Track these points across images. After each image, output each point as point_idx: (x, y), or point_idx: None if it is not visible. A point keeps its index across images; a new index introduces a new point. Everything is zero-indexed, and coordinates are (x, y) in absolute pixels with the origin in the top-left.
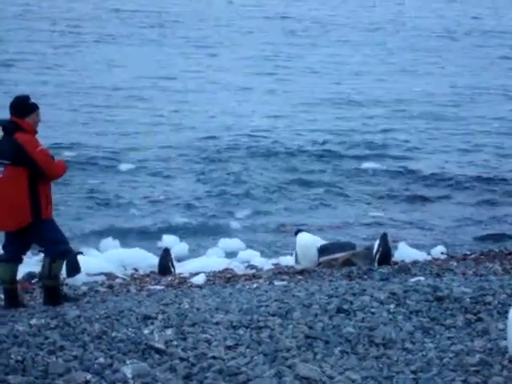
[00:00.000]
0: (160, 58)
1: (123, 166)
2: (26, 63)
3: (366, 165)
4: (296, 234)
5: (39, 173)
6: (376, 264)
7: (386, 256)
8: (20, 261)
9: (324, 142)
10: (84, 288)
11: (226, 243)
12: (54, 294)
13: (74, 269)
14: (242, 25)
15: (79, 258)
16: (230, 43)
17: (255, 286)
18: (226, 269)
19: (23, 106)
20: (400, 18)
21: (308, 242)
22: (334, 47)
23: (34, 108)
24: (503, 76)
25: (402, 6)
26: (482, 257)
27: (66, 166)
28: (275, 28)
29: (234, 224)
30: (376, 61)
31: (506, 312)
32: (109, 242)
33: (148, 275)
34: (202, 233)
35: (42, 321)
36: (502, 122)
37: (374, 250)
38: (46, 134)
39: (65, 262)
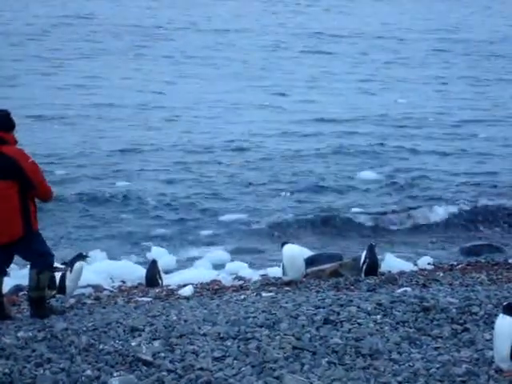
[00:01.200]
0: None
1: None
2: None
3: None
4: (282, 245)
5: (29, 184)
6: (363, 275)
7: (373, 267)
8: (4, 273)
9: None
10: (71, 300)
11: (214, 255)
12: (40, 306)
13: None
14: None
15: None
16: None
17: (243, 297)
18: (214, 280)
19: (8, 121)
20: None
21: (295, 253)
22: None
23: (14, 124)
24: None
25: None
26: (469, 267)
27: (52, 192)
28: None
29: (222, 235)
30: None
31: (493, 322)
32: (96, 253)
33: (135, 287)
34: (190, 244)
35: (30, 333)
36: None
37: (361, 261)
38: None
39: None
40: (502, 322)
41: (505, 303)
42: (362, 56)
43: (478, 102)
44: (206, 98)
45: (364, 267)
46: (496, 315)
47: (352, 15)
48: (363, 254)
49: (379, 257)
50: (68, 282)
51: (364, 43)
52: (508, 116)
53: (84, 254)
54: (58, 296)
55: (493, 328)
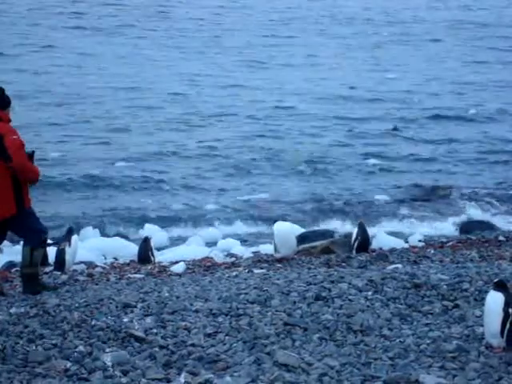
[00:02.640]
0: None
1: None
2: None
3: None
4: (274, 222)
5: (7, 159)
6: (354, 252)
7: (364, 244)
8: None
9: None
10: (64, 277)
11: (206, 232)
12: (33, 282)
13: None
14: None
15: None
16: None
17: (235, 274)
18: (206, 257)
19: (3, 98)
20: None
21: (286, 230)
22: None
23: (10, 101)
24: None
25: None
26: (460, 244)
27: (39, 173)
28: None
29: (214, 212)
30: None
31: (483, 299)
32: (89, 231)
33: (128, 264)
34: (182, 221)
35: (22, 309)
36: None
37: (353, 238)
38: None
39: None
40: (493, 298)
41: (495, 280)
42: None
43: None
44: None
45: (355, 244)
46: (486, 292)
47: None
48: (354, 232)
49: (370, 234)
50: (67, 256)
51: None
52: None
53: (73, 227)
54: (55, 272)
55: (483, 304)
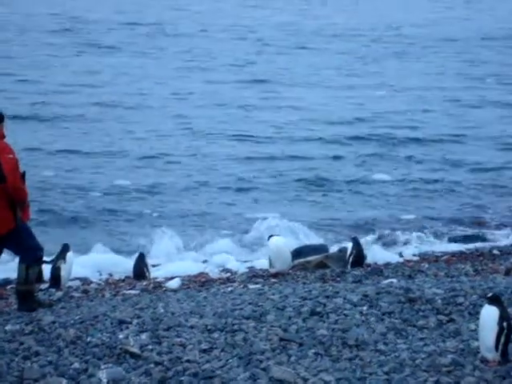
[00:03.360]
0: None
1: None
2: None
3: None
4: (269, 238)
5: (1, 179)
6: (349, 266)
7: (359, 258)
8: None
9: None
10: (59, 293)
11: (202, 247)
12: (28, 300)
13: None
14: None
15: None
16: None
17: (230, 289)
18: (201, 273)
19: None
20: None
21: (281, 245)
22: None
23: (3, 116)
24: None
25: None
26: (454, 258)
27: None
28: None
29: (208, 227)
30: None
31: (478, 313)
32: (83, 246)
33: (123, 280)
34: (178, 237)
35: (17, 326)
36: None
37: (348, 253)
38: None
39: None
40: (487, 312)
41: (489, 294)
42: None
43: None
44: None
45: (350, 259)
46: (481, 306)
47: None
48: (349, 246)
49: (365, 249)
50: (63, 273)
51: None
52: None
53: (68, 244)
54: (50, 289)
55: (478, 318)
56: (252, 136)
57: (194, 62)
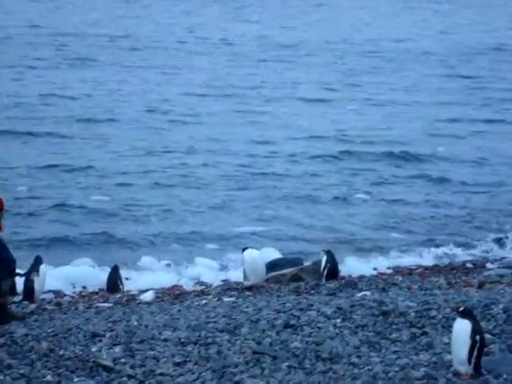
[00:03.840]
0: None
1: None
2: None
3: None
4: (243, 250)
5: None
6: (324, 279)
7: (333, 271)
8: None
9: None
10: (32, 306)
11: (176, 259)
12: (1, 312)
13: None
14: None
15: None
16: None
17: (204, 302)
18: (175, 285)
19: None
20: None
21: (256, 257)
22: None
23: None
24: None
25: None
26: (428, 271)
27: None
28: None
29: (182, 239)
30: None
31: (451, 326)
32: (57, 259)
33: (96, 293)
34: (152, 249)
35: None
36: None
37: (322, 266)
38: None
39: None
40: (460, 325)
41: (461, 308)
42: None
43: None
44: None
45: (325, 272)
46: (454, 319)
47: None
48: (323, 259)
49: (339, 260)
50: (36, 286)
51: None
52: None
53: (40, 256)
54: (23, 302)
55: (451, 332)
56: (229, 152)
57: (169, 75)
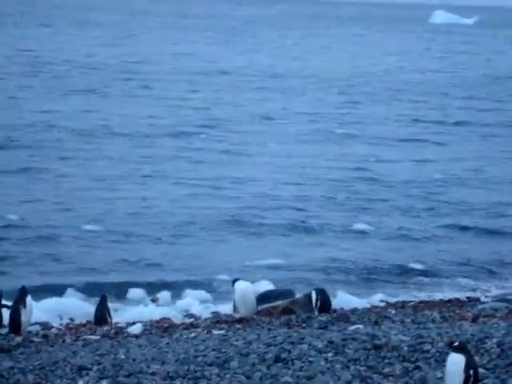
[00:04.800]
0: None
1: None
2: None
3: None
4: (234, 282)
5: None
6: (316, 312)
7: (325, 304)
8: None
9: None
10: (18, 338)
11: (165, 292)
12: None
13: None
14: None
15: None
16: None
17: (193, 335)
18: (164, 318)
19: None
20: None
21: (246, 289)
22: None
23: None
24: None
25: None
26: (421, 304)
27: None
28: None
29: (172, 272)
30: None
31: (444, 360)
32: (44, 291)
33: (84, 325)
34: (141, 281)
35: None
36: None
37: (313, 299)
38: None
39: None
40: (454, 360)
41: (455, 343)
42: None
43: None
44: None
45: (318, 304)
46: (447, 353)
47: None
48: (313, 293)
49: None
50: (23, 318)
51: None
52: None
53: (25, 286)
54: (10, 335)
55: (444, 366)
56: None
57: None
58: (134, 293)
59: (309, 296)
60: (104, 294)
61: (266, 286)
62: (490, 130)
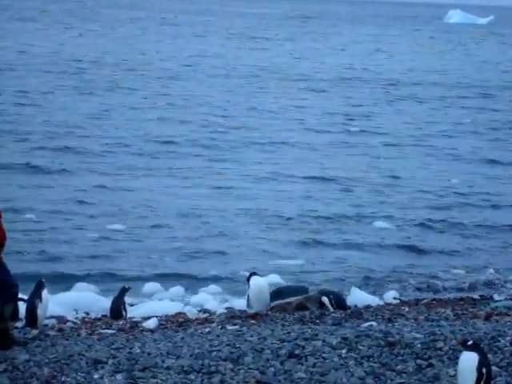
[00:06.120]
0: None
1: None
2: None
3: None
4: (249, 277)
5: None
6: (331, 308)
7: (340, 303)
8: None
9: None
10: (34, 332)
11: (179, 287)
12: (3, 337)
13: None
14: None
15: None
16: None
17: (207, 330)
18: (179, 313)
19: None
20: None
21: (261, 285)
22: None
23: None
24: None
25: None
26: (434, 302)
27: (5, 235)
28: None
29: (187, 267)
30: None
31: (457, 358)
32: (60, 285)
33: (99, 319)
34: (156, 276)
35: None
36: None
37: (327, 303)
38: None
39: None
40: (466, 358)
41: (469, 341)
42: None
43: None
44: None
45: (332, 301)
46: (460, 351)
47: None
48: (325, 298)
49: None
50: (39, 311)
51: None
52: None
53: (43, 280)
54: (26, 328)
55: (457, 364)
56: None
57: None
58: (150, 287)
59: (322, 292)
60: (124, 286)
61: (278, 280)
62: None
